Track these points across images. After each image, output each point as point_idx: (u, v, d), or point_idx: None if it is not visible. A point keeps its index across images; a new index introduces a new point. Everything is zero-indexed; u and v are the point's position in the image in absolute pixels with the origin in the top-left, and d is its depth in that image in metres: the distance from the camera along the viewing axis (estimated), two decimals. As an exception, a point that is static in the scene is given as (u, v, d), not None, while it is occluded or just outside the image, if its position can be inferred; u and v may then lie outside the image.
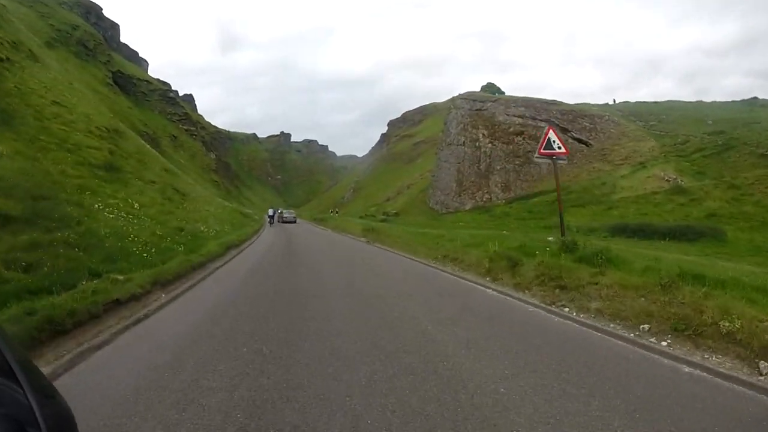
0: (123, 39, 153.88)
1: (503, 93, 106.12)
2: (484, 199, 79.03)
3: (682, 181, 60.86)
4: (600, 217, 54.69)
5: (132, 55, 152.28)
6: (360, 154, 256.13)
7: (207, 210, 40.62)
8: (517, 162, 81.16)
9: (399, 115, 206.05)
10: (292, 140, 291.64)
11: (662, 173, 64.04)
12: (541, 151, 16.57)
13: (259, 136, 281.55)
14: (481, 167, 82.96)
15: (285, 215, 76.77)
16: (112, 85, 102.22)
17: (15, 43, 35.68)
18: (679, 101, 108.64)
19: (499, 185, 79.45)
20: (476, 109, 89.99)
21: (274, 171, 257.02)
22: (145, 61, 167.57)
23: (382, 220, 67.90)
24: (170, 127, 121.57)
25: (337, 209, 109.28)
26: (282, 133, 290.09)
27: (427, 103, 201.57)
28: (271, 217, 62.40)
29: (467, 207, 79.24)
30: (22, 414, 1.14)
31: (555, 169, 18.58)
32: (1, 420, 1.06)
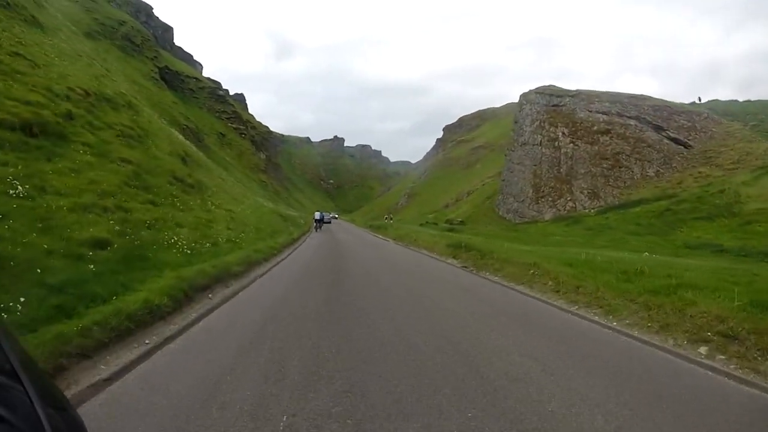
0: (177, 42, 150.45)
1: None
2: (568, 208, 65.58)
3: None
4: (743, 234, 40.89)
5: (186, 57, 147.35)
6: (413, 161, 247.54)
7: (229, 210, 28.66)
8: (604, 165, 67.61)
9: (455, 120, 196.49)
10: (345, 145, 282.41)
11: (795, 179, 50.94)
12: None
13: (312, 140, 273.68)
14: (561, 171, 69.50)
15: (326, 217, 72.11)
16: (157, 79, 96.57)
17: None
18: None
19: (585, 192, 65.92)
20: (553, 105, 76.61)
21: (327, 175, 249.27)
22: (200, 64, 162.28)
23: (449, 229, 55.35)
24: (218, 125, 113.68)
25: (391, 215, 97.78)
26: (335, 137, 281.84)
27: (485, 107, 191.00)
28: (318, 221, 50.65)
29: (547, 216, 65.92)
30: (27, 420, 1.07)
31: None
32: (6, 427, 1.02)
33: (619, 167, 66.65)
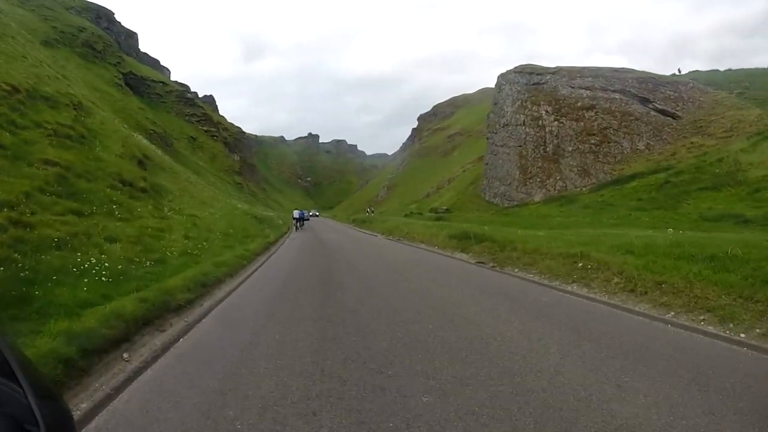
0: (143, 48, 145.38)
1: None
2: (558, 188, 62.00)
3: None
4: (756, 203, 37.48)
5: (152, 63, 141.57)
6: (390, 153, 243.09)
7: (193, 215, 24.45)
8: (592, 141, 64.15)
9: (429, 109, 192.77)
10: (320, 141, 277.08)
11: (796, 143, 48.01)
12: None
13: (287, 138, 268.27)
14: (548, 150, 65.92)
15: (310, 213, 73.65)
16: (121, 86, 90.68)
17: None
18: (760, 68, 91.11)
19: (575, 170, 62.42)
20: (534, 84, 72.94)
21: (304, 173, 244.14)
22: (167, 69, 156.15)
23: (436, 218, 51.34)
24: (188, 129, 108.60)
25: (372, 208, 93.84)
26: (310, 134, 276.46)
27: (458, 94, 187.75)
28: (298, 220, 46.28)
29: (537, 198, 62.30)
30: (21, 413, 1.12)
31: None
32: (0, 419, 1.07)
33: (608, 142, 63.30)
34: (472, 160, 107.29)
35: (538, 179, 64.15)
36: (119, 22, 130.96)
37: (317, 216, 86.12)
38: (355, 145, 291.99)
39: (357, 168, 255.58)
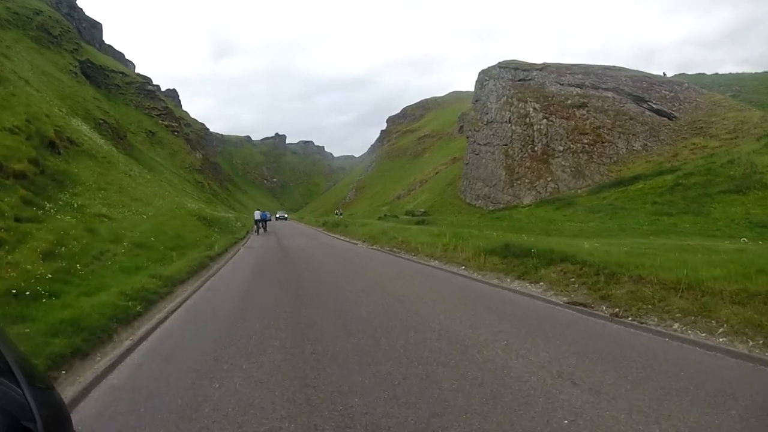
0: (108, 40, 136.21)
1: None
2: (550, 189, 55.18)
3: None
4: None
5: (117, 56, 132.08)
6: (357, 155, 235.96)
7: (102, 215, 16.56)
8: (585, 141, 57.72)
9: (398, 111, 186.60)
10: (287, 142, 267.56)
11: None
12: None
13: (254, 138, 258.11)
14: (536, 149, 59.13)
15: (278, 215, 70.40)
16: (76, 73, 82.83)
17: None
18: (746, 73, 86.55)
19: (568, 170, 55.78)
20: (519, 80, 66.22)
21: (270, 174, 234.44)
22: (132, 63, 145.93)
23: (417, 222, 43.91)
24: (147, 122, 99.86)
25: (341, 210, 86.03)
26: (277, 134, 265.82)
27: (428, 97, 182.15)
28: (259, 222, 38.15)
29: (526, 200, 55.38)
30: (18, 409, 1.12)
31: None
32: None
33: (602, 142, 56.99)
34: (444, 161, 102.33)
35: (527, 180, 57.22)
36: (81, 10, 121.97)
37: (286, 219, 76.57)
38: (323, 147, 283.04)
39: (324, 169, 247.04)
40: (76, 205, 16.58)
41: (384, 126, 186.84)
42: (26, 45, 70.67)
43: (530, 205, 52.61)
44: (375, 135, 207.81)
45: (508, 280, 11.75)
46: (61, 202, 16.11)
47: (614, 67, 67.71)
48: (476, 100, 71.27)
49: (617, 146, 56.57)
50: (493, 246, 13.86)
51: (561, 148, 57.44)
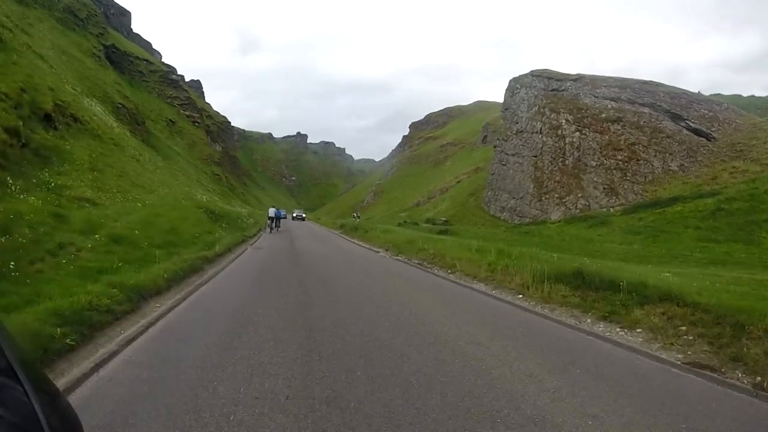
0: (136, 29, 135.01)
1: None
2: (580, 206, 51.95)
3: None
4: None
5: (145, 45, 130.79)
6: (377, 159, 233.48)
7: (84, 200, 13.69)
8: (619, 157, 54.50)
9: (422, 117, 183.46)
10: (308, 141, 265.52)
11: None
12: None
13: (275, 136, 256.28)
14: (567, 162, 55.96)
15: (295, 213, 67.92)
16: (99, 57, 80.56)
17: None
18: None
19: (600, 187, 52.52)
20: (552, 89, 63.11)
21: (289, 172, 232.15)
22: (158, 53, 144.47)
23: (440, 231, 40.92)
24: (168, 111, 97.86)
25: (358, 213, 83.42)
26: (298, 133, 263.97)
27: (452, 105, 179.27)
28: (273, 219, 35.37)
29: (554, 216, 52.22)
30: (24, 416, 1.06)
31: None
32: (3, 424, 1.00)
33: (637, 160, 53.72)
34: (466, 170, 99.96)
35: (556, 195, 54.06)
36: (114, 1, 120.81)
37: (303, 219, 70.47)
38: (343, 149, 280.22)
39: (343, 171, 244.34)
40: (53, 185, 13.89)
41: (405, 132, 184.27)
42: (50, 24, 68.84)
43: (559, 221, 49.45)
44: (394, 141, 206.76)
45: (588, 320, 8.78)
46: (34, 180, 13.45)
47: (651, 82, 64.33)
48: (506, 109, 68.22)
49: (653, 165, 53.33)
50: (559, 271, 10.91)
51: (593, 164, 54.26)
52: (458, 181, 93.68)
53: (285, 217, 59.91)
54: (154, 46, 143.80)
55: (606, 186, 52.11)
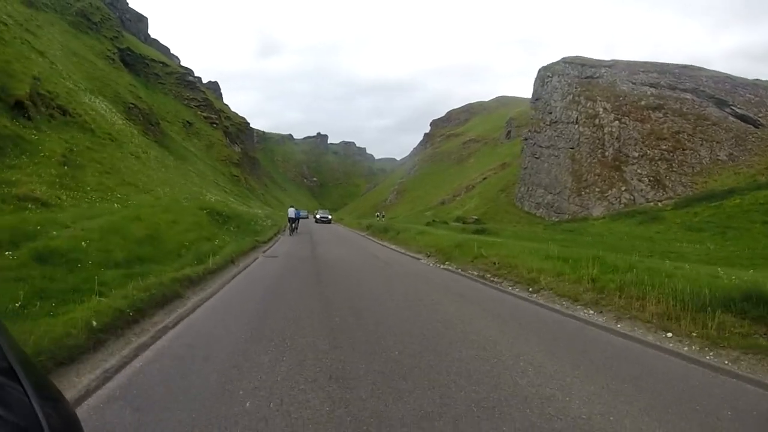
0: (153, 35, 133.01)
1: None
2: (624, 200, 47.50)
3: None
4: None
5: (162, 50, 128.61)
6: (398, 158, 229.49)
7: (39, 202, 9.53)
8: (663, 147, 49.88)
9: (443, 114, 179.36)
10: (329, 142, 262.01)
11: None
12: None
13: (295, 137, 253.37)
14: (607, 154, 51.50)
15: (319, 215, 62.12)
16: (113, 59, 78.35)
17: None
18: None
19: (645, 180, 47.92)
20: (587, 77, 58.58)
21: (310, 173, 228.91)
22: (176, 57, 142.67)
23: (477, 231, 36.53)
24: (185, 113, 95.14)
25: (383, 212, 79.58)
26: (319, 134, 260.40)
27: (473, 102, 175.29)
28: (293, 221, 31.53)
29: (596, 212, 47.81)
30: (25, 417, 1.06)
31: None
32: (3, 424, 1.01)
33: (683, 149, 49.12)
34: (492, 166, 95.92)
35: (597, 189, 49.57)
36: (126, 2, 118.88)
37: (329, 221, 59.45)
38: (364, 148, 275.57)
39: (365, 171, 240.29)
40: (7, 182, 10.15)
41: (427, 129, 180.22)
42: (62, 28, 67.10)
43: (603, 217, 44.97)
44: (414, 140, 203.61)
45: None
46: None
47: (692, 66, 59.46)
48: (536, 99, 63.69)
49: (700, 154, 48.71)
50: (721, 294, 6.80)
51: (636, 154, 49.72)
52: (484, 178, 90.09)
53: (307, 217, 56.03)
54: (172, 51, 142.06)
55: (652, 178, 47.56)
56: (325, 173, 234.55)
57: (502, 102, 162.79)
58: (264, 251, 18.08)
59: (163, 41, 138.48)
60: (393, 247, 23.00)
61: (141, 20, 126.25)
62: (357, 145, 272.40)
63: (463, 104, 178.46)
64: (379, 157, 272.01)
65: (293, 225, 31.72)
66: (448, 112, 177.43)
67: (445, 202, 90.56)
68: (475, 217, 56.22)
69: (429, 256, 17.63)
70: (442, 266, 15.27)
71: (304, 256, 17.25)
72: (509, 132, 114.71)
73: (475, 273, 13.04)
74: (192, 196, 24.88)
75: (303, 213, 41.59)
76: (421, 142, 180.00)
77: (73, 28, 73.40)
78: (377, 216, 68.26)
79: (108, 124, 30.73)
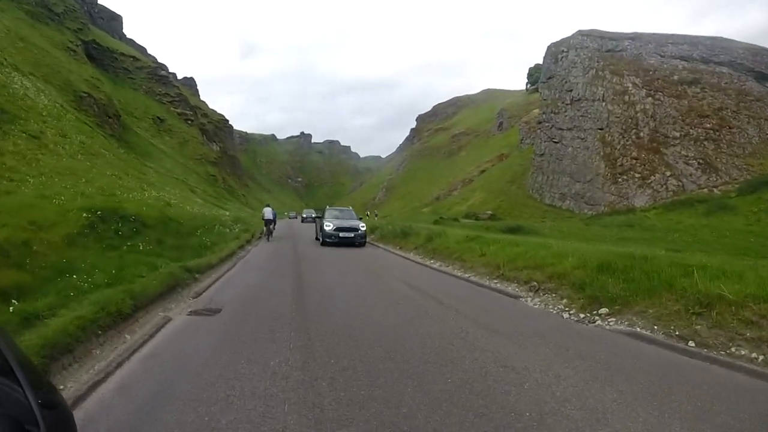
0: (129, 35, 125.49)
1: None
2: (671, 187, 39.01)
3: None
4: None
5: (139, 49, 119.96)
6: (384, 155, 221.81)
7: None
8: (707, 126, 41.58)
9: (429, 109, 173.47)
10: (313, 141, 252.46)
11: None
12: None
13: (279, 137, 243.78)
14: (642, 135, 43.05)
15: (304, 215, 58.62)
16: (74, 51, 71.61)
17: None
18: None
19: (694, 163, 39.55)
20: (608, 50, 50.23)
21: (295, 173, 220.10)
22: (153, 57, 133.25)
23: (510, 230, 27.48)
24: (156, 108, 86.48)
25: (376, 211, 71.57)
26: (302, 133, 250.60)
27: (460, 95, 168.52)
28: (270, 222, 22.77)
29: (640, 201, 39.28)
30: (21, 413, 1.07)
31: None
32: (1, 421, 1.02)
33: (729, 128, 41.12)
34: (489, 158, 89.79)
35: (637, 174, 41.13)
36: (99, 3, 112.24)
37: (314, 219, 49.67)
38: (349, 147, 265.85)
39: (350, 169, 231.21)
40: None
41: (413, 125, 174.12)
42: (14, 15, 61.06)
43: (652, 207, 36.39)
44: (399, 138, 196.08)
45: None
46: None
47: (723, 38, 51.36)
48: (549, 78, 54.96)
49: (748, 133, 40.79)
50: None
51: (677, 134, 41.40)
52: (482, 171, 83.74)
53: (295, 218, 49.32)
54: (149, 51, 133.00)
55: (701, 160, 39.23)
56: (310, 173, 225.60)
57: (490, 94, 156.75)
58: (194, 293, 8.71)
59: (139, 41, 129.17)
60: (436, 265, 13.45)
61: (115, 18, 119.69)
62: (341, 144, 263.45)
63: (449, 98, 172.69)
64: (364, 155, 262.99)
65: (270, 227, 22.87)
66: (435, 107, 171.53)
67: (440, 197, 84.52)
68: (490, 212, 47.35)
69: (536, 291, 8.38)
70: (607, 325, 6.14)
71: (276, 304, 7.90)
72: (501, 123, 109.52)
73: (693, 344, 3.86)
74: (106, 191, 15.90)
75: (292, 214, 34.00)
76: (407, 137, 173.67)
77: (30, 17, 66.63)
78: (368, 214, 59.58)
79: (20, 101, 21.84)
